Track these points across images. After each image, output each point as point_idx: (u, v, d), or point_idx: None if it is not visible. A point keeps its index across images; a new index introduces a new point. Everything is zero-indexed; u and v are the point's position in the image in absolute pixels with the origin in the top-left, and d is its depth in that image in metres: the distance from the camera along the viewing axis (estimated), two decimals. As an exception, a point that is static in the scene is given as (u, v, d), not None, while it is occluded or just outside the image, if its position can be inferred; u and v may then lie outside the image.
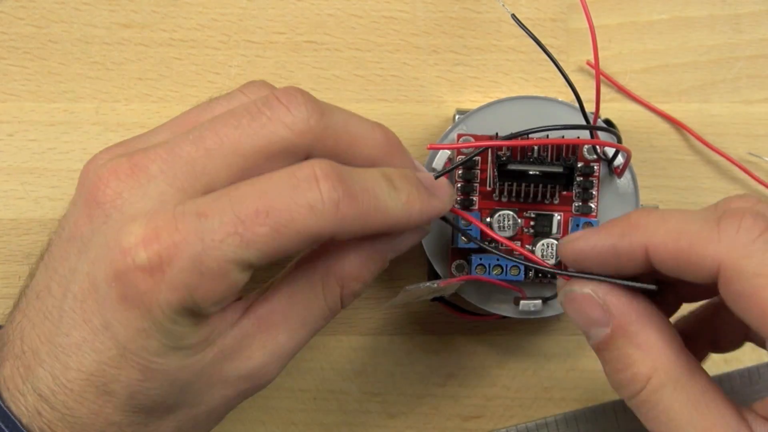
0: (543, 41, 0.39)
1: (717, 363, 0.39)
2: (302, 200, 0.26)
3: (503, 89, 0.39)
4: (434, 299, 0.36)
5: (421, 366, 0.39)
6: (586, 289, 0.28)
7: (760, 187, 0.39)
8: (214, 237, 0.26)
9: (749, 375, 0.38)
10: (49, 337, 0.28)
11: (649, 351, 0.26)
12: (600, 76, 0.33)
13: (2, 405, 0.28)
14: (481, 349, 0.39)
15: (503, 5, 0.30)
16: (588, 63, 0.39)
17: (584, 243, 0.27)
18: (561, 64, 0.39)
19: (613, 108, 0.39)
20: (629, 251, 0.26)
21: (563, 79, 0.33)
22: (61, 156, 0.39)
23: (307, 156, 0.28)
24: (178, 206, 0.27)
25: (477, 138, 0.34)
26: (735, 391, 0.38)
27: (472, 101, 0.39)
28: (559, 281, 0.29)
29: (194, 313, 0.27)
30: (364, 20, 0.39)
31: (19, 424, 0.28)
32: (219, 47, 0.39)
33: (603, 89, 0.39)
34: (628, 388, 0.27)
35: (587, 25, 0.39)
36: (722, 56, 0.39)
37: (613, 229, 0.27)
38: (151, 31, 0.39)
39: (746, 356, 0.39)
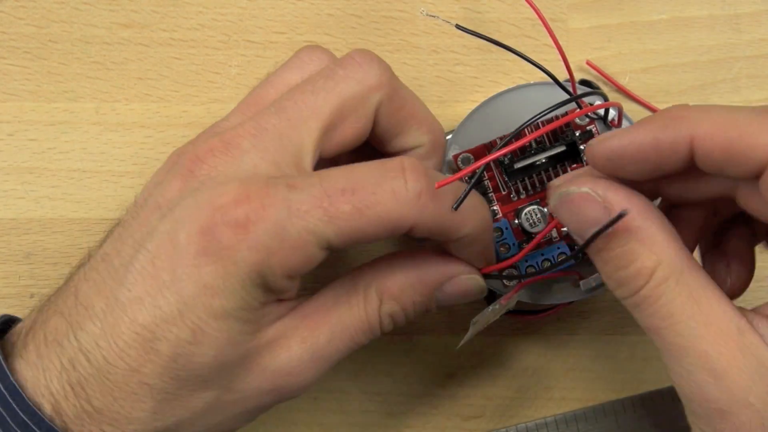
0: (543, 41, 0.39)
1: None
2: (387, 186, 0.28)
3: (503, 89, 0.39)
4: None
5: (421, 366, 0.39)
6: (584, 188, 0.27)
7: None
8: (300, 207, 0.27)
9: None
10: (109, 293, 0.28)
11: (652, 245, 0.26)
12: (560, 44, 0.33)
13: (12, 379, 0.28)
14: (481, 349, 0.39)
15: (423, 11, 0.30)
16: (588, 62, 0.39)
17: (619, 141, 0.27)
18: (561, 64, 0.39)
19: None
20: (672, 144, 0.26)
21: (566, 73, 0.33)
22: (61, 156, 0.39)
23: (377, 112, 0.30)
24: (270, 177, 0.28)
25: (473, 152, 0.34)
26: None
27: (472, 101, 0.39)
28: (553, 184, 0.28)
29: (264, 283, 0.28)
30: (364, 20, 0.39)
31: (22, 395, 0.28)
32: (219, 47, 0.39)
33: (603, 89, 0.39)
34: (630, 285, 0.26)
35: (585, 25, 0.39)
36: (722, 56, 0.39)
37: (652, 123, 0.26)
38: (151, 31, 0.39)
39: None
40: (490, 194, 0.34)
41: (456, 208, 0.29)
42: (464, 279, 0.31)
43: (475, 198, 0.30)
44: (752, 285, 0.39)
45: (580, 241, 0.27)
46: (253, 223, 0.27)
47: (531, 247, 0.32)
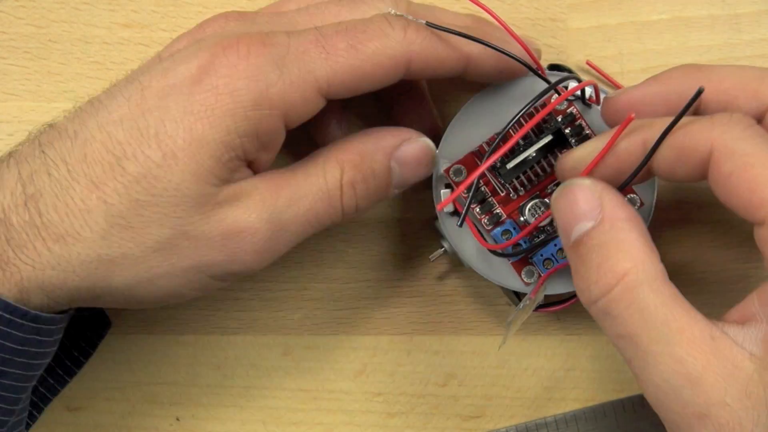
0: (543, 41, 0.39)
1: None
2: (375, 26, 0.30)
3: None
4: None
5: (421, 366, 0.39)
6: (586, 180, 0.28)
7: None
8: (299, 47, 0.29)
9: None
10: (87, 117, 0.29)
11: (629, 249, 0.27)
12: (514, 33, 0.33)
13: None
14: (481, 349, 0.39)
15: (392, 11, 0.31)
16: (588, 63, 0.39)
17: (638, 91, 0.31)
18: (560, 63, 0.39)
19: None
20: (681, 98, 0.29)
21: (565, 71, 0.33)
22: (61, 156, 0.39)
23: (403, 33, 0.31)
24: (270, 30, 0.30)
25: (463, 163, 0.34)
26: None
27: (472, 101, 0.39)
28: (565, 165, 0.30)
29: (257, 120, 0.28)
30: (364, 20, 0.39)
31: None
32: (219, 47, 0.39)
33: (603, 88, 0.39)
34: (601, 284, 0.27)
35: (585, 25, 0.39)
36: (722, 56, 0.39)
37: (668, 78, 0.31)
38: (151, 31, 0.39)
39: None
40: (490, 199, 0.34)
41: (461, 225, 0.31)
42: (417, 141, 0.32)
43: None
44: (753, 285, 0.39)
45: (562, 240, 0.28)
46: (253, 56, 0.28)
47: (533, 227, 0.33)
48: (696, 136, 0.27)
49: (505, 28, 0.33)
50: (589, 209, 0.27)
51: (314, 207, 0.30)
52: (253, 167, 0.30)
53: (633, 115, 0.28)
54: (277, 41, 0.29)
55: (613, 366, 0.39)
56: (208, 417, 0.39)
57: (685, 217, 0.39)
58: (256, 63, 0.28)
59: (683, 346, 0.25)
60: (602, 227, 0.27)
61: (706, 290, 0.39)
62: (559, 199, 0.29)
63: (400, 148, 0.32)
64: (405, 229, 0.39)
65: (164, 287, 0.29)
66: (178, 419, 0.39)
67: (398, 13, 0.31)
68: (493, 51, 0.31)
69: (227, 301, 0.39)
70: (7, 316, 0.27)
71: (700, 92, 0.28)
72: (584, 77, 0.39)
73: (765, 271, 0.39)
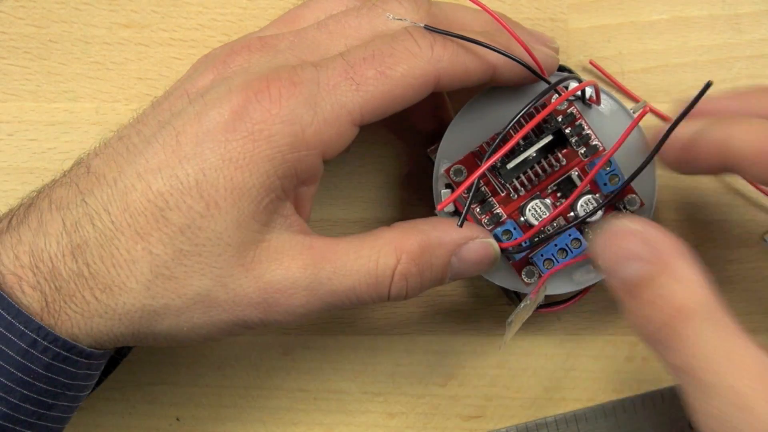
0: (543, 41, 0.39)
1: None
2: (401, 46, 0.29)
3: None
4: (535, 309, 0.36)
5: (421, 366, 0.39)
6: (634, 223, 0.28)
7: (759, 194, 0.39)
8: (329, 81, 0.29)
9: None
10: (125, 164, 0.28)
11: (688, 284, 0.27)
12: (515, 33, 0.33)
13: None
14: (481, 349, 0.39)
15: (389, 15, 0.31)
16: (591, 62, 0.39)
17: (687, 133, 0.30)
18: (561, 63, 0.39)
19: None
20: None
21: (565, 71, 0.33)
22: (61, 156, 0.39)
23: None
24: (299, 64, 0.29)
25: (463, 163, 0.34)
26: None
27: (472, 101, 0.39)
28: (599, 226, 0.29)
29: (295, 160, 0.28)
30: (364, 20, 0.39)
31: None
32: (219, 47, 0.39)
33: (604, 88, 0.39)
34: (656, 320, 0.26)
35: (585, 25, 0.39)
36: (722, 56, 0.39)
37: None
38: (151, 31, 0.39)
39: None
40: (490, 199, 0.34)
41: (461, 225, 0.31)
42: (480, 242, 0.32)
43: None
44: (756, 286, 0.39)
45: (609, 278, 0.28)
46: (285, 98, 0.28)
47: (536, 230, 0.33)
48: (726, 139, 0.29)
49: (506, 27, 0.33)
50: (640, 249, 0.27)
51: (358, 288, 0.30)
52: (296, 201, 0.30)
53: (648, 108, 0.29)
54: (307, 78, 0.29)
55: (613, 366, 0.39)
56: (208, 417, 0.39)
57: (685, 217, 0.39)
58: (289, 105, 0.28)
59: (742, 379, 0.25)
60: (655, 265, 0.27)
61: (706, 290, 0.39)
62: (608, 239, 0.28)
63: (465, 247, 0.31)
64: (405, 229, 0.39)
65: (203, 335, 0.30)
66: (178, 419, 0.39)
67: (419, 21, 0.30)
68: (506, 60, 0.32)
69: (227, 301, 0.39)
70: (64, 353, 0.28)
71: (708, 85, 0.28)
72: (586, 77, 0.39)
73: (765, 272, 0.39)
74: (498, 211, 0.34)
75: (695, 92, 0.30)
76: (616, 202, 0.35)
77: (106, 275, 0.28)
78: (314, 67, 0.29)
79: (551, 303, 0.37)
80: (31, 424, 0.28)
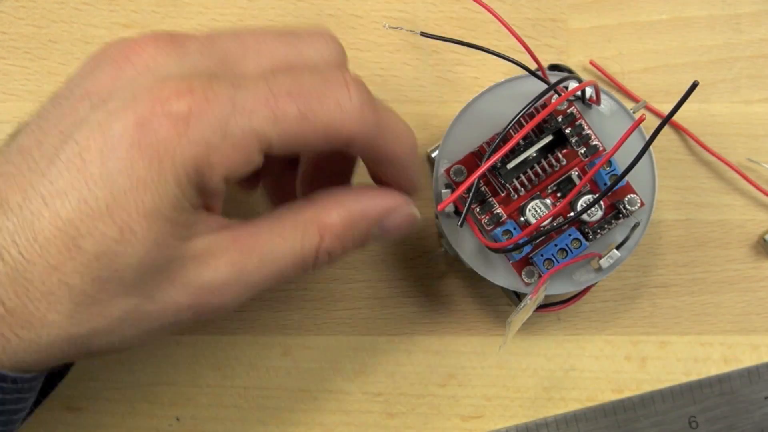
0: (543, 41, 0.39)
1: (717, 363, 0.39)
2: (332, 94, 0.28)
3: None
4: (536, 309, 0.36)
5: (421, 366, 0.39)
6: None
7: (759, 194, 0.39)
8: (245, 105, 0.27)
9: (749, 375, 0.38)
10: (28, 186, 0.26)
11: None
12: (516, 33, 0.33)
13: None
14: (481, 349, 0.39)
15: (386, 25, 0.30)
16: (591, 62, 0.39)
17: None
18: (561, 63, 0.39)
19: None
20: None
21: (565, 72, 0.33)
22: (61, 156, 0.39)
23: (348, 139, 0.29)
24: (214, 74, 0.27)
25: (463, 163, 0.34)
26: (735, 391, 0.38)
27: (472, 101, 0.39)
28: None
29: (200, 182, 0.27)
30: (365, 20, 0.39)
31: None
32: (219, 47, 0.39)
33: (604, 88, 0.39)
34: None
35: (586, 25, 0.39)
36: (722, 56, 0.39)
37: None
38: (151, 31, 0.39)
39: (746, 356, 0.39)
40: (490, 199, 0.34)
41: (461, 225, 0.30)
42: (404, 211, 0.31)
43: (400, 118, 0.31)
44: (756, 285, 0.39)
45: None
46: (195, 116, 0.26)
47: (534, 227, 0.33)
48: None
49: (507, 28, 0.33)
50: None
51: (285, 270, 0.29)
52: (212, 209, 0.29)
53: (644, 117, 0.28)
54: (222, 95, 0.27)
55: (613, 366, 0.39)
56: (208, 417, 0.39)
57: (685, 217, 0.39)
58: (199, 125, 0.26)
59: None
60: None
61: (707, 290, 0.39)
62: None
63: (387, 218, 0.31)
64: (405, 229, 0.39)
65: (137, 343, 0.29)
66: (178, 419, 0.39)
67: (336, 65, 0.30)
68: (410, 151, 0.31)
69: (227, 301, 0.39)
70: None
71: (695, 85, 0.28)
72: (586, 77, 0.39)
73: (765, 271, 0.39)
74: (498, 211, 0.34)
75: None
76: (616, 201, 0.35)
77: (24, 310, 0.26)
78: (231, 84, 0.27)
79: (551, 303, 0.37)
80: None
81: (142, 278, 0.27)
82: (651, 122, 0.39)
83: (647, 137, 0.35)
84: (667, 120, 0.28)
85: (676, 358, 0.39)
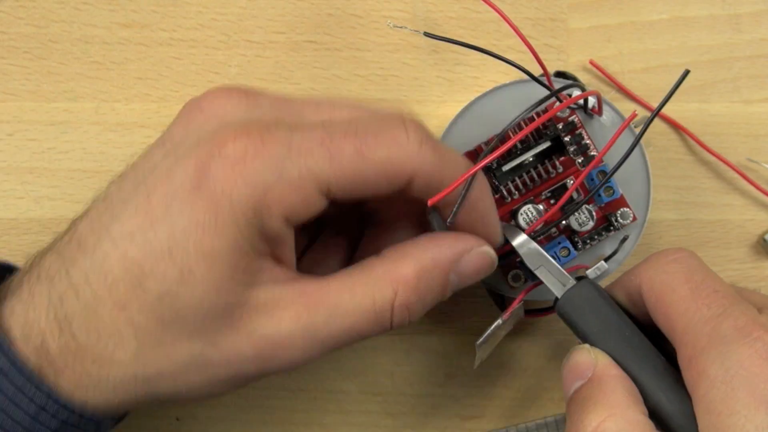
0: (543, 41, 0.39)
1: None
2: (389, 132, 0.28)
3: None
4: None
5: (421, 366, 0.39)
6: (585, 345, 0.30)
7: (759, 194, 0.39)
8: (302, 145, 0.27)
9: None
10: (102, 229, 0.28)
11: (610, 401, 0.28)
12: (527, 40, 0.33)
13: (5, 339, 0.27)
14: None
15: (390, 23, 0.30)
16: (591, 62, 0.39)
17: None
18: (561, 64, 0.39)
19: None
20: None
21: (570, 79, 0.33)
22: (61, 156, 0.39)
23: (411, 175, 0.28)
24: (272, 122, 0.28)
25: None
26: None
27: (472, 101, 0.39)
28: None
29: (259, 224, 0.27)
30: (365, 20, 0.39)
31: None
32: (219, 47, 0.39)
33: (604, 88, 0.39)
34: (584, 430, 0.28)
35: (586, 25, 0.39)
36: (722, 56, 0.39)
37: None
38: (151, 31, 0.39)
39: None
40: None
41: (451, 222, 0.29)
42: (477, 252, 0.30)
43: (464, 158, 0.30)
44: (756, 286, 0.39)
45: (565, 397, 0.30)
46: (251, 157, 0.26)
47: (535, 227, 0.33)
48: (631, 277, 0.30)
49: (512, 27, 0.33)
50: (584, 369, 0.29)
51: (357, 325, 0.29)
52: (274, 256, 0.29)
53: (635, 113, 0.29)
54: (278, 137, 0.27)
55: (613, 366, 0.39)
56: (208, 417, 0.39)
57: (685, 217, 0.39)
58: (254, 165, 0.26)
59: None
60: (590, 383, 0.29)
61: (706, 290, 0.39)
62: (565, 361, 0.30)
63: (461, 262, 0.30)
64: (405, 229, 0.39)
65: (204, 394, 0.29)
66: (178, 419, 0.39)
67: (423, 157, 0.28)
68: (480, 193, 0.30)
69: (227, 301, 0.39)
70: (76, 417, 0.28)
71: (686, 73, 0.28)
72: (586, 77, 0.39)
73: (765, 271, 0.39)
74: None
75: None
76: (608, 214, 0.35)
77: (95, 346, 0.27)
78: (288, 128, 0.27)
79: (535, 309, 0.37)
80: None
81: (204, 322, 0.27)
82: (652, 123, 0.39)
83: (641, 142, 0.35)
84: (658, 110, 0.29)
85: (676, 358, 0.39)
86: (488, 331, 0.32)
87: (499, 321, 0.32)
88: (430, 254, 0.29)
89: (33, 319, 0.28)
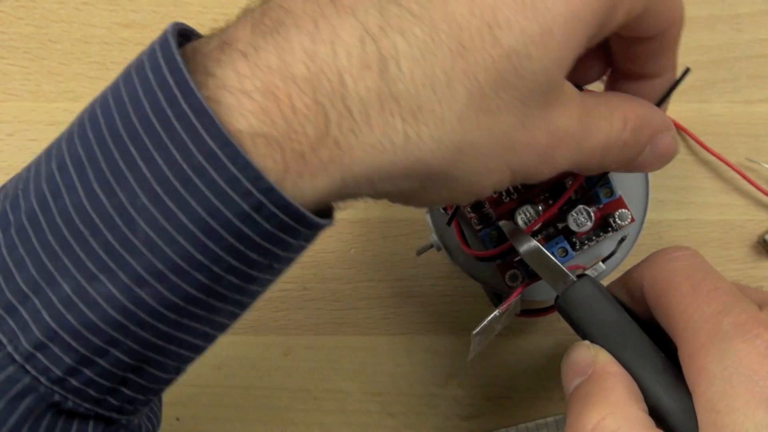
0: (543, 41, 0.39)
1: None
2: None
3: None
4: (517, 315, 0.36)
5: (421, 366, 0.39)
6: (585, 342, 0.30)
7: (759, 194, 0.39)
8: None
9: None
10: None
11: (609, 398, 0.28)
12: None
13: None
14: (481, 349, 0.39)
15: None
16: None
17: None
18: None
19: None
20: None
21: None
22: (61, 156, 0.39)
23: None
24: None
25: None
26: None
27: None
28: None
29: (608, 12, 0.24)
30: (364, 20, 0.39)
31: None
32: (219, 47, 0.39)
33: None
34: (584, 427, 0.28)
35: (587, 25, 0.39)
36: (722, 56, 0.39)
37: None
38: (151, 31, 0.39)
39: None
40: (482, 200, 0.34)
41: (449, 224, 0.29)
42: (673, 136, 0.29)
43: None
44: (756, 286, 0.39)
45: (565, 393, 0.30)
46: None
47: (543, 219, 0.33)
48: (633, 275, 0.30)
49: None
50: (584, 366, 0.29)
51: (597, 149, 0.27)
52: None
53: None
54: None
55: (613, 366, 0.39)
56: (208, 417, 0.39)
57: (685, 217, 0.39)
58: None
59: None
60: (590, 380, 0.28)
61: (706, 290, 0.39)
62: (565, 357, 0.30)
63: (659, 137, 0.28)
64: (404, 229, 0.39)
65: (487, 186, 0.25)
66: (178, 419, 0.39)
67: None
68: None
69: (227, 301, 0.39)
70: (292, 223, 0.23)
71: (686, 71, 0.28)
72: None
73: (765, 271, 0.39)
74: (488, 211, 0.34)
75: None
76: (606, 215, 0.35)
77: (414, 97, 0.22)
78: None
79: (531, 309, 0.37)
80: (226, 297, 0.23)
81: (531, 95, 0.24)
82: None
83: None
84: (668, 95, 0.28)
85: (676, 358, 0.39)
86: (484, 322, 0.32)
87: (496, 313, 0.32)
88: (649, 111, 0.28)
89: (326, 57, 0.22)
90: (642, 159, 0.28)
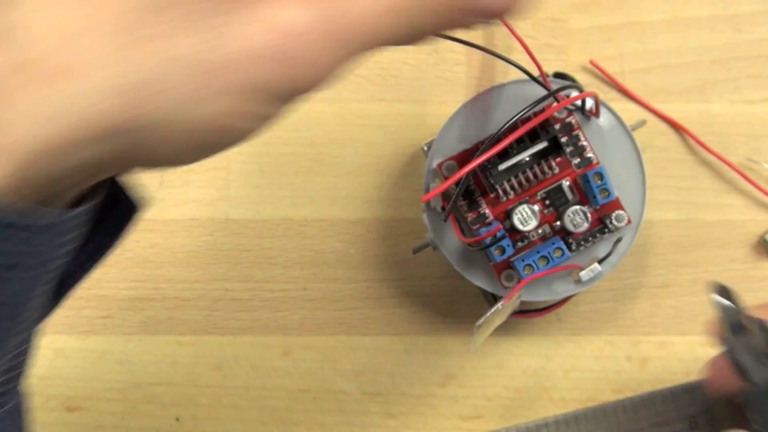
0: (544, 41, 0.39)
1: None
2: None
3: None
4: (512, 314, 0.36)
5: (421, 366, 0.39)
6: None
7: (759, 194, 0.39)
8: None
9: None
10: None
11: None
12: (518, 34, 0.31)
13: None
14: (481, 349, 0.39)
15: None
16: (591, 62, 0.39)
17: None
18: (562, 64, 0.39)
19: (614, 108, 0.39)
20: None
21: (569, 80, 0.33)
22: (61, 156, 0.39)
23: None
24: None
25: (456, 159, 0.34)
26: (735, 391, 0.38)
27: (472, 101, 0.39)
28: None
29: None
30: (364, 20, 0.39)
31: None
32: (219, 47, 0.39)
33: (604, 88, 0.39)
34: None
35: (586, 25, 0.39)
36: (722, 56, 0.39)
37: None
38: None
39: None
40: (479, 198, 0.34)
41: (445, 220, 0.29)
42: None
43: None
44: (756, 285, 0.39)
45: None
46: None
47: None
48: None
49: (508, 26, 0.33)
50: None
51: (378, 19, 0.22)
52: None
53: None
54: None
55: (613, 366, 0.39)
56: (208, 417, 0.39)
57: (685, 217, 0.39)
58: None
59: None
60: None
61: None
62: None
63: None
64: (404, 229, 0.39)
65: (213, 113, 0.20)
66: (178, 419, 0.39)
67: None
68: None
69: (227, 301, 0.39)
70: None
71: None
72: (586, 77, 0.39)
73: (765, 271, 0.39)
74: (485, 211, 0.34)
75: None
76: (603, 216, 0.35)
77: (50, 56, 0.19)
78: None
79: (528, 309, 0.37)
80: None
81: (204, 5, 0.20)
82: (652, 123, 0.39)
83: (638, 146, 0.35)
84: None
85: (677, 358, 0.39)
86: (487, 314, 0.32)
87: (498, 305, 0.32)
88: None
89: None
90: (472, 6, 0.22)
